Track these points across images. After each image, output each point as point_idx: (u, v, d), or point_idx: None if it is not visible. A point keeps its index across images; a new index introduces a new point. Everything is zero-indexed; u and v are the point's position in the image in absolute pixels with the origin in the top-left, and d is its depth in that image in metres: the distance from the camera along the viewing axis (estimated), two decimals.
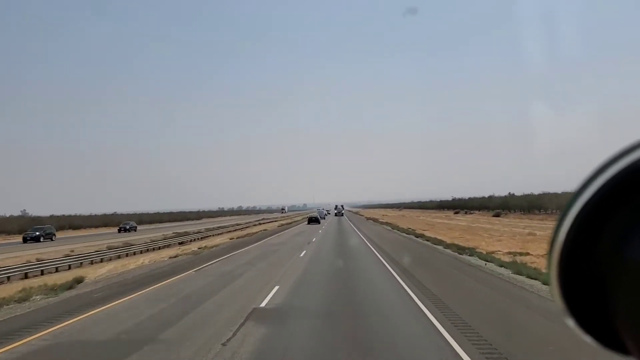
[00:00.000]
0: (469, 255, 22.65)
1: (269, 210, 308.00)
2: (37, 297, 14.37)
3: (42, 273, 20.74)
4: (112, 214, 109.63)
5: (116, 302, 13.04)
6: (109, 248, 30.34)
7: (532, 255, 21.30)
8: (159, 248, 33.84)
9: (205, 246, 33.41)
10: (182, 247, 34.03)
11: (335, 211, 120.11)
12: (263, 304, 12.03)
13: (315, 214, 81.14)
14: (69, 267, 22.80)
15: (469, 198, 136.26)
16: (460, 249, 25.06)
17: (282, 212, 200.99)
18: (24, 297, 14.09)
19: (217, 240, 41.67)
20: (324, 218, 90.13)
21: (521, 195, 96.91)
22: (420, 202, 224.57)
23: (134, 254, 29.66)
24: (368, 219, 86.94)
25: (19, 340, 9.16)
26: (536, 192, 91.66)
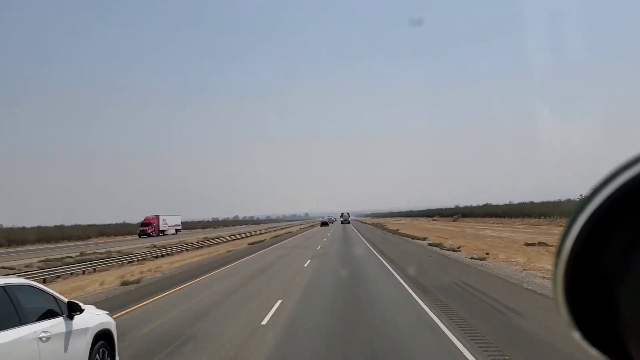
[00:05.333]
0: None
1: (268, 220, 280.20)
2: None
3: None
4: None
5: None
6: None
7: None
8: None
9: None
10: None
11: (342, 219, 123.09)
12: None
13: (325, 220, 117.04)
14: None
15: None
16: None
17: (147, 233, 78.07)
18: None
19: None
20: (333, 222, 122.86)
21: None
22: (487, 205, 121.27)
23: None
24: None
25: None
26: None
